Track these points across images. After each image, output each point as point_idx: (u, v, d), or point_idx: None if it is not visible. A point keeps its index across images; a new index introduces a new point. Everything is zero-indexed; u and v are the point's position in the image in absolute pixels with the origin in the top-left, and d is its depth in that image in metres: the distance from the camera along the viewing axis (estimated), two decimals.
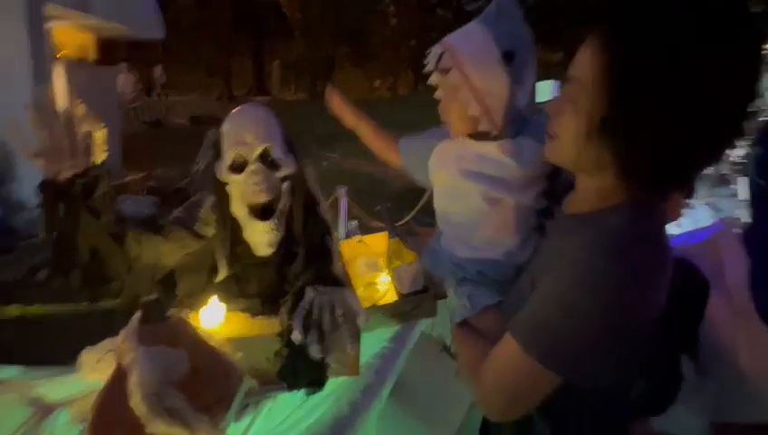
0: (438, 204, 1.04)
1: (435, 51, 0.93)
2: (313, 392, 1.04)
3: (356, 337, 1.03)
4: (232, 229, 1.18)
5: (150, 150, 9.32)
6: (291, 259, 1.21)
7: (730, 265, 1.30)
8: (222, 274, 1.18)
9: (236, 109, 1.22)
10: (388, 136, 1.26)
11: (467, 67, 0.87)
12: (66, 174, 0.97)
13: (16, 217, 4.77)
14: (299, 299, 1.06)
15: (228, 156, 1.15)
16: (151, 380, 0.59)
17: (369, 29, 25.02)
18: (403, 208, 5.62)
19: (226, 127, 1.18)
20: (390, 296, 1.41)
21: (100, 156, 1.01)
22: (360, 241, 1.61)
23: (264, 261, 1.19)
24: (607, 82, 0.64)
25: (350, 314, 1.04)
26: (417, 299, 1.38)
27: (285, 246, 1.20)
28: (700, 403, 1.26)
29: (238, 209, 1.16)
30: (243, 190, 1.14)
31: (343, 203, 3.99)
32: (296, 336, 0.98)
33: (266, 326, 1.09)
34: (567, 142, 0.71)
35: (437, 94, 0.98)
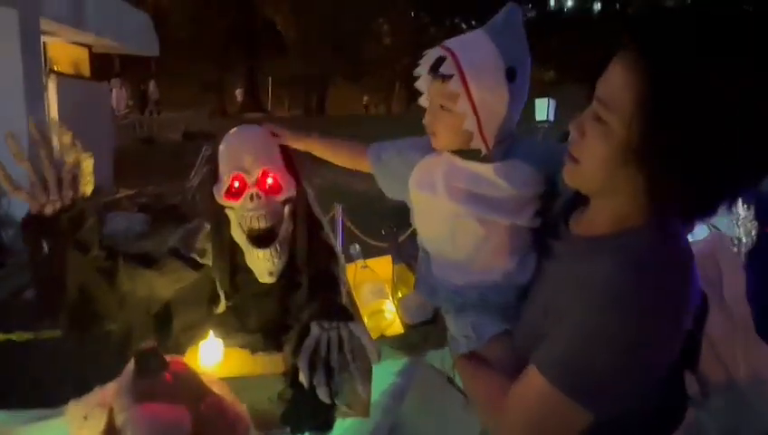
0: (424, 228, 0.97)
1: (432, 54, 0.87)
2: None
3: (367, 376, 0.95)
4: (231, 256, 1.11)
5: (142, 166, 9.24)
6: (294, 288, 1.14)
7: (728, 278, 1.29)
8: (221, 305, 1.11)
9: (233, 130, 1.15)
10: (351, 144, 1.18)
11: (470, 77, 0.81)
12: (51, 208, 0.91)
13: (7, 232, 4.66)
14: (303, 336, 0.98)
15: (226, 180, 1.09)
16: None
17: (363, 47, 25.32)
18: (399, 226, 5.59)
19: (223, 149, 1.12)
20: (397, 327, 1.35)
21: (87, 188, 0.95)
22: (364, 266, 1.55)
23: (265, 290, 1.13)
24: (642, 107, 0.61)
25: (359, 350, 0.96)
26: (426, 330, 1.31)
27: (288, 275, 1.13)
28: (704, 421, 1.22)
29: (238, 235, 1.09)
30: (241, 216, 1.07)
31: (339, 222, 3.95)
32: (303, 378, 0.89)
33: (268, 364, 1.01)
34: (593, 166, 0.68)
35: (423, 101, 0.93)
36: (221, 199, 1.09)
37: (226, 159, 1.11)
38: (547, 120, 4.52)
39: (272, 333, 1.09)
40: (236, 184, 1.08)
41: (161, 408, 0.56)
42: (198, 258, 1.14)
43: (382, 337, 1.29)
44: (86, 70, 8.00)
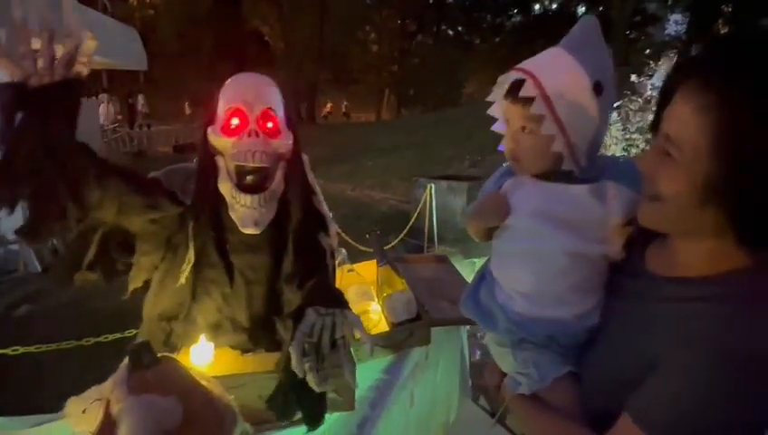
0: (500, 252, 0.90)
1: (507, 78, 0.83)
2: (313, 428, 0.96)
3: (354, 364, 0.93)
4: (213, 209, 1.08)
5: None
6: (280, 253, 1.12)
7: None
8: (189, 258, 1.07)
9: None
10: None
11: (554, 97, 0.76)
12: (37, 81, 0.85)
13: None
14: (298, 319, 0.95)
15: (225, 114, 1.05)
16: (142, 431, 0.56)
17: (351, 55, 25.46)
18: (390, 232, 5.63)
19: (227, 85, 1.09)
20: (382, 326, 1.40)
21: (82, 69, 0.90)
22: (350, 270, 1.60)
23: (250, 247, 1.11)
24: (718, 148, 0.58)
25: (350, 338, 0.94)
26: (410, 327, 1.37)
27: (274, 238, 1.11)
28: None
29: (225, 186, 1.06)
30: (234, 154, 1.04)
31: (334, 224, 4.00)
32: (296, 366, 0.88)
33: (257, 363, 1.06)
34: (676, 204, 0.64)
35: (499, 127, 0.89)
36: (216, 135, 1.06)
37: (230, 92, 1.07)
38: None
39: (260, 332, 1.13)
40: (234, 121, 1.05)
41: (154, 398, 0.60)
42: (179, 195, 1.08)
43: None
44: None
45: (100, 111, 11.82)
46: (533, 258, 0.83)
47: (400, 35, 28.08)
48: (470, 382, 1.74)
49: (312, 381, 0.87)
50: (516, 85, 0.80)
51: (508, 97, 0.83)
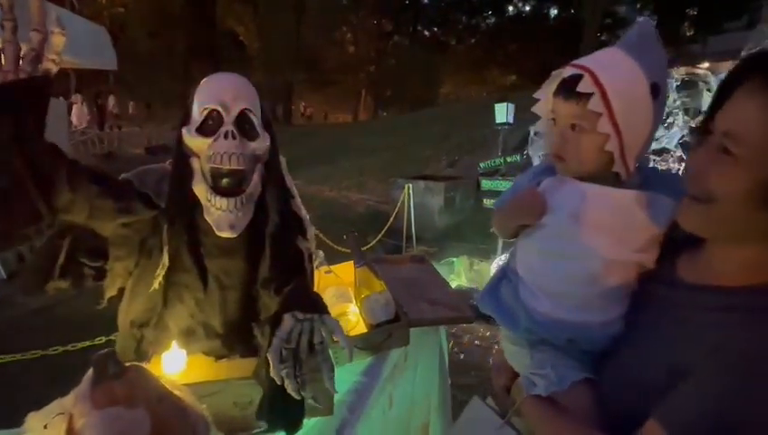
0: (529, 251, 0.88)
1: (560, 73, 0.81)
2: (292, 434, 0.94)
3: (333, 370, 0.92)
4: (187, 212, 1.04)
5: None
6: (257, 257, 1.09)
7: None
8: (163, 263, 1.04)
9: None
10: None
11: (612, 95, 0.73)
12: (1, 77, 0.80)
13: None
14: (276, 326, 0.93)
15: (200, 115, 1.02)
16: None
17: (328, 56, 25.36)
18: (368, 233, 5.63)
19: (202, 85, 1.06)
20: (360, 328, 1.38)
21: (50, 65, 0.85)
22: (328, 271, 1.57)
23: (225, 251, 1.08)
24: None
25: (328, 344, 0.92)
26: (389, 329, 1.35)
27: (251, 241, 1.08)
28: None
29: (200, 189, 1.03)
30: (210, 156, 1.01)
31: (312, 227, 3.96)
32: (274, 373, 0.86)
33: (232, 369, 1.03)
34: (730, 204, 0.61)
35: (541, 125, 0.87)
36: (190, 136, 1.03)
37: (205, 92, 1.04)
38: (507, 123, 4.67)
39: (234, 338, 1.10)
40: (210, 121, 1.02)
41: (119, 411, 0.57)
42: (153, 198, 1.04)
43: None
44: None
45: (73, 112, 11.47)
46: (569, 261, 0.80)
47: (377, 36, 28.11)
48: (449, 382, 1.74)
49: (290, 387, 0.85)
50: (571, 81, 0.77)
51: (559, 93, 0.80)
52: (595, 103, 0.74)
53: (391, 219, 5.65)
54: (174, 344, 1.02)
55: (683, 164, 4.44)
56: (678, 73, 4.83)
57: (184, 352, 1.02)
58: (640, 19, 0.83)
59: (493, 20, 30.39)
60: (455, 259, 5.07)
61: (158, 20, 20.71)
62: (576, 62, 0.79)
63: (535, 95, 0.86)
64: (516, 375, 0.92)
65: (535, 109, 0.87)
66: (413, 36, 30.34)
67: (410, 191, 5.69)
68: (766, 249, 0.62)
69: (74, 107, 10.97)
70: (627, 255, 0.77)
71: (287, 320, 0.92)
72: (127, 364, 0.66)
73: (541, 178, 0.87)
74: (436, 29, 31.61)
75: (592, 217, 0.78)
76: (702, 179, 0.63)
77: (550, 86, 0.83)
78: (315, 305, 0.98)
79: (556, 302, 0.82)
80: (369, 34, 27.32)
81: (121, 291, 1.09)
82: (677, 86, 4.71)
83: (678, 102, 4.67)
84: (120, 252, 1.04)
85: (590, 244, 0.78)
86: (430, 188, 7.25)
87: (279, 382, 0.85)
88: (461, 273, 4.88)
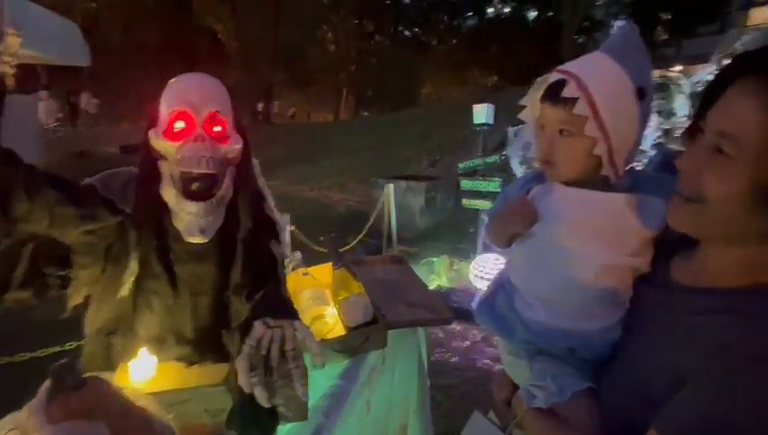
0: (522, 260, 0.87)
1: (545, 79, 0.81)
2: None
3: (305, 377, 0.90)
4: (156, 217, 1.01)
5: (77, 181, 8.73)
6: (229, 262, 1.06)
7: None
8: (131, 270, 1.00)
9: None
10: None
11: (598, 98, 0.74)
12: None
13: None
14: (246, 333, 0.90)
15: (168, 117, 0.99)
16: None
17: (308, 55, 25.18)
18: (348, 233, 5.60)
19: (169, 87, 1.02)
20: (338, 330, 1.36)
21: (4, 67, 0.84)
22: (305, 273, 1.55)
23: (195, 257, 1.04)
24: None
25: (300, 350, 0.90)
26: (367, 331, 1.34)
27: (222, 246, 1.05)
28: None
29: (168, 193, 1.00)
30: (179, 160, 0.97)
31: (286, 231, 3.90)
32: (242, 382, 0.83)
33: (203, 376, 0.99)
34: (722, 205, 0.60)
35: (529, 131, 0.86)
36: (158, 139, 0.99)
37: (173, 94, 1.01)
38: (486, 123, 4.70)
39: (206, 344, 1.07)
40: (179, 124, 0.99)
41: (76, 426, 0.54)
42: (118, 203, 1.00)
43: (323, 340, 1.30)
44: (10, 82, 7.49)
45: (40, 109, 11.13)
46: (562, 268, 0.79)
47: (358, 36, 28.04)
48: (428, 383, 1.74)
49: (260, 396, 0.83)
50: (557, 87, 0.78)
51: (546, 99, 0.81)
52: (580, 107, 0.74)
53: (372, 219, 5.62)
54: (142, 351, 0.98)
55: None
56: (655, 76, 4.94)
57: (154, 358, 0.99)
58: (623, 24, 0.82)
59: (473, 21, 30.66)
60: (435, 259, 5.07)
61: (132, 16, 20.25)
62: (561, 67, 0.80)
63: (521, 102, 0.86)
64: (517, 387, 0.90)
65: (522, 115, 0.87)
66: (394, 36, 30.37)
67: (391, 191, 5.68)
68: (760, 250, 0.61)
69: (40, 104, 10.64)
70: (620, 259, 0.76)
71: (257, 327, 0.89)
72: (87, 375, 0.63)
73: (531, 185, 0.86)
74: (417, 29, 31.71)
75: (584, 223, 0.78)
76: (695, 180, 0.62)
77: (536, 92, 0.83)
78: (287, 311, 0.96)
79: (552, 310, 0.81)
80: (350, 34, 27.23)
81: (87, 298, 1.05)
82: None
83: (653, 104, 4.76)
84: (85, 260, 1.00)
85: (583, 250, 0.77)
86: (411, 188, 7.25)
87: (248, 391, 0.82)
88: (441, 273, 4.89)
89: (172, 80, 1.05)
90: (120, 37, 19.69)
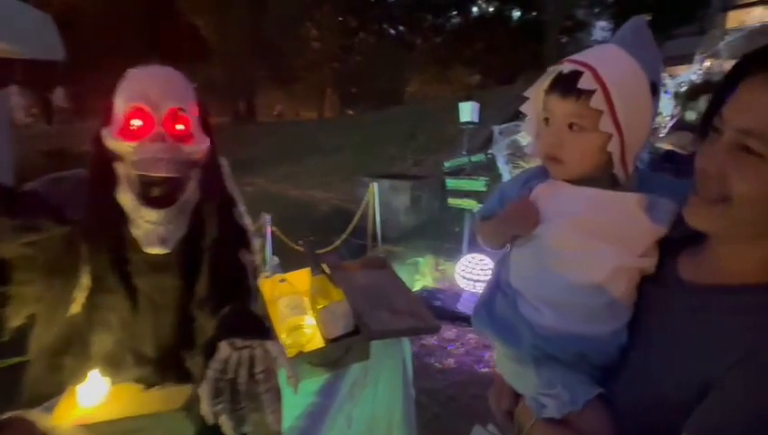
0: (524, 263, 0.82)
1: (557, 69, 0.76)
2: None
3: (278, 401, 0.82)
4: (110, 224, 0.92)
5: None
6: (194, 274, 0.97)
7: None
8: (83, 285, 0.91)
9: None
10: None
11: (614, 92, 0.70)
12: None
13: None
14: (210, 355, 0.82)
15: (124, 114, 0.89)
16: None
17: (291, 51, 24.91)
18: (333, 232, 5.50)
19: (124, 82, 0.92)
20: (317, 342, 1.27)
21: None
22: (282, 280, 1.45)
23: (156, 268, 0.94)
24: None
25: (271, 372, 0.82)
26: (348, 343, 1.25)
27: (187, 256, 0.96)
28: None
29: (125, 197, 0.90)
30: (136, 161, 0.88)
31: (268, 232, 3.79)
32: (205, 411, 0.75)
33: (163, 400, 0.90)
34: (750, 205, 0.59)
35: (530, 127, 0.82)
36: (111, 138, 0.89)
37: (130, 88, 0.91)
38: (471, 122, 4.64)
39: (168, 364, 0.96)
40: (135, 122, 0.89)
41: None
42: (65, 211, 0.91)
43: (300, 353, 1.21)
44: None
45: (10, 105, 10.75)
46: (571, 271, 0.75)
47: (342, 32, 27.84)
48: (413, 393, 1.66)
49: (225, 426, 0.74)
50: (570, 77, 0.72)
51: (555, 91, 0.75)
52: (597, 101, 0.70)
53: (356, 219, 5.54)
54: (92, 374, 0.88)
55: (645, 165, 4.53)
56: None
57: (107, 381, 0.89)
58: (633, 17, 0.78)
59: (458, 20, 30.69)
60: (420, 259, 5.01)
61: (111, 9, 19.73)
62: (574, 57, 0.75)
63: (525, 93, 0.81)
64: (518, 397, 0.84)
65: (524, 108, 0.82)
66: (378, 34, 30.25)
67: (375, 190, 5.59)
68: None
69: (11, 99, 10.28)
70: (632, 261, 0.74)
71: (223, 348, 0.80)
72: (8, 416, 0.53)
73: (532, 183, 0.81)
74: (401, 27, 31.63)
75: (594, 224, 0.74)
76: (718, 180, 0.60)
77: (542, 83, 0.78)
78: (256, 330, 0.86)
79: (561, 314, 0.76)
80: (334, 31, 27.02)
81: (32, 317, 0.94)
82: None
83: None
84: (26, 275, 0.89)
85: (594, 251, 0.74)
86: (396, 187, 7.18)
87: (210, 422, 0.73)
88: (426, 273, 4.82)
89: (129, 71, 0.94)
90: (98, 31, 19.17)
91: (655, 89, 0.73)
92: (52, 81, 15.19)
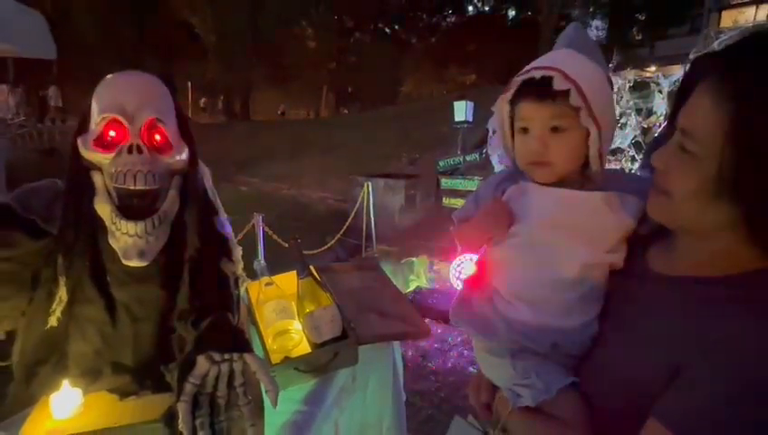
0: (503, 257, 0.84)
1: (516, 82, 0.78)
2: None
3: (259, 413, 0.82)
4: (88, 235, 0.89)
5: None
6: (174, 286, 0.94)
7: None
8: (60, 297, 0.88)
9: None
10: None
11: (585, 88, 0.73)
12: None
13: None
14: (187, 370, 0.79)
15: (99, 125, 0.86)
16: None
17: (287, 51, 24.83)
18: (327, 232, 5.47)
19: (99, 90, 0.90)
20: (304, 347, 1.24)
21: None
22: (269, 283, 1.42)
23: (134, 277, 0.91)
24: (733, 138, 0.57)
25: (250, 384, 0.81)
26: (335, 347, 1.22)
27: (166, 267, 0.93)
28: None
29: (102, 207, 0.87)
30: (113, 172, 0.85)
31: (261, 232, 3.75)
32: (183, 426, 0.73)
33: (138, 410, 0.86)
34: (685, 201, 0.64)
35: (495, 143, 0.83)
36: (87, 149, 0.87)
37: (104, 98, 0.88)
38: (466, 121, 4.63)
39: (146, 371, 0.93)
40: (112, 133, 0.86)
41: None
42: (40, 223, 0.88)
43: (287, 359, 1.18)
44: None
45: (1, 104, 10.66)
46: (543, 268, 0.79)
47: (338, 32, 27.76)
48: (404, 397, 1.63)
49: None
50: (542, 83, 0.75)
51: (527, 99, 0.78)
52: (575, 98, 0.73)
53: (351, 218, 5.50)
54: (65, 384, 0.85)
55: (636, 163, 4.53)
56: (629, 76, 4.95)
57: (78, 391, 0.85)
58: (570, 24, 0.86)
59: (453, 19, 30.67)
60: (415, 259, 4.98)
61: (104, 7, 19.55)
62: (536, 64, 0.78)
63: (493, 108, 0.84)
64: (496, 390, 0.87)
65: (491, 124, 0.84)
66: (374, 33, 30.18)
67: (370, 189, 5.56)
68: (733, 240, 0.63)
69: (2, 98, 10.18)
70: (600, 256, 0.77)
71: (201, 362, 0.78)
72: None
73: (504, 186, 0.84)
74: (396, 26, 31.58)
75: (565, 222, 0.78)
76: (663, 177, 0.66)
77: (507, 95, 0.81)
78: (235, 343, 0.84)
79: (536, 309, 0.79)
80: (330, 30, 26.94)
81: (11, 332, 0.91)
82: (630, 87, 4.81)
83: (631, 103, 4.77)
84: (5, 290, 0.87)
85: (565, 249, 0.77)
86: (390, 186, 7.16)
87: None
88: (421, 274, 4.79)
89: (104, 78, 0.91)
90: (92, 30, 19.01)
91: (611, 83, 0.75)
92: (44, 79, 15.07)
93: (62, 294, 0.88)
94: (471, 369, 3.25)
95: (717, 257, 0.65)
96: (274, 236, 4.00)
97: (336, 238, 5.13)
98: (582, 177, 0.80)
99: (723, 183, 0.59)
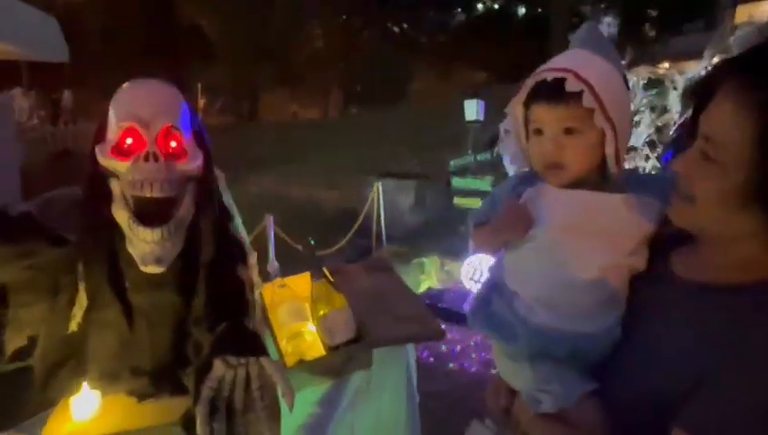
0: (521, 263, 0.83)
1: (535, 79, 0.78)
2: None
3: (276, 416, 0.81)
4: (107, 240, 0.91)
5: (58, 182, 8.48)
6: (190, 293, 0.96)
7: None
8: (80, 303, 0.90)
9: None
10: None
11: (599, 89, 0.73)
12: None
13: None
14: (204, 374, 0.80)
15: (115, 133, 0.89)
16: None
17: (295, 51, 24.93)
18: (338, 233, 5.47)
19: (116, 98, 0.92)
20: (318, 349, 1.24)
21: None
22: (282, 285, 1.42)
23: (152, 286, 0.93)
24: (760, 147, 0.57)
25: (267, 387, 0.80)
26: (350, 350, 1.22)
27: (183, 274, 0.95)
28: None
29: (120, 214, 0.89)
30: (129, 182, 0.87)
31: (271, 234, 3.76)
32: (200, 430, 0.73)
33: (156, 413, 0.87)
34: (709, 208, 0.63)
35: (508, 145, 0.83)
36: (105, 157, 0.89)
37: (121, 106, 0.90)
38: (476, 120, 4.60)
39: (163, 376, 0.94)
40: (129, 141, 0.88)
41: None
42: (60, 231, 0.91)
43: (301, 362, 1.18)
44: None
45: (15, 107, 10.83)
46: (563, 271, 0.77)
47: (346, 31, 27.81)
48: (417, 400, 1.62)
49: None
50: (554, 85, 0.75)
51: (541, 100, 0.77)
52: (588, 99, 0.72)
53: (361, 218, 5.50)
54: (84, 386, 0.85)
55: (649, 162, 4.47)
56: (643, 73, 4.88)
57: (97, 394, 0.86)
58: (587, 23, 0.80)
59: (462, 17, 30.54)
60: (425, 259, 4.96)
61: (115, 11, 19.79)
62: (549, 66, 0.78)
63: (506, 109, 0.84)
64: (514, 395, 0.86)
65: (504, 125, 0.83)
66: (383, 32, 30.16)
67: (380, 189, 5.56)
68: (758, 246, 0.62)
69: (16, 102, 10.33)
70: (621, 259, 0.76)
71: (218, 366, 0.79)
72: None
73: (521, 189, 0.83)
74: (405, 25, 31.53)
75: (583, 225, 0.76)
76: (687, 183, 0.65)
77: (520, 97, 0.81)
78: (252, 347, 0.84)
79: (555, 313, 0.78)
80: (339, 30, 27.00)
81: (33, 338, 0.92)
82: (644, 85, 4.74)
83: (645, 101, 4.70)
84: (26, 297, 0.88)
85: (584, 252, 0.76)
86: (400, 186, 7.16)
87: None
88: (432, 274, 4.78)
89: (120, 88, 0.93)
90: (103, 32, 19.26)
91: (626, 82, 0.73)
92: (57, 83, 15.27)
93: (83, 299, 0.89)
94: (484, 371, 3.23)
95: (743, 264, 0.64)
96: (285, 238, 4.01)
97: (346, 239, 5.13)
98: (601, 178, 0.79)
99: (750, 192, 0.58)
